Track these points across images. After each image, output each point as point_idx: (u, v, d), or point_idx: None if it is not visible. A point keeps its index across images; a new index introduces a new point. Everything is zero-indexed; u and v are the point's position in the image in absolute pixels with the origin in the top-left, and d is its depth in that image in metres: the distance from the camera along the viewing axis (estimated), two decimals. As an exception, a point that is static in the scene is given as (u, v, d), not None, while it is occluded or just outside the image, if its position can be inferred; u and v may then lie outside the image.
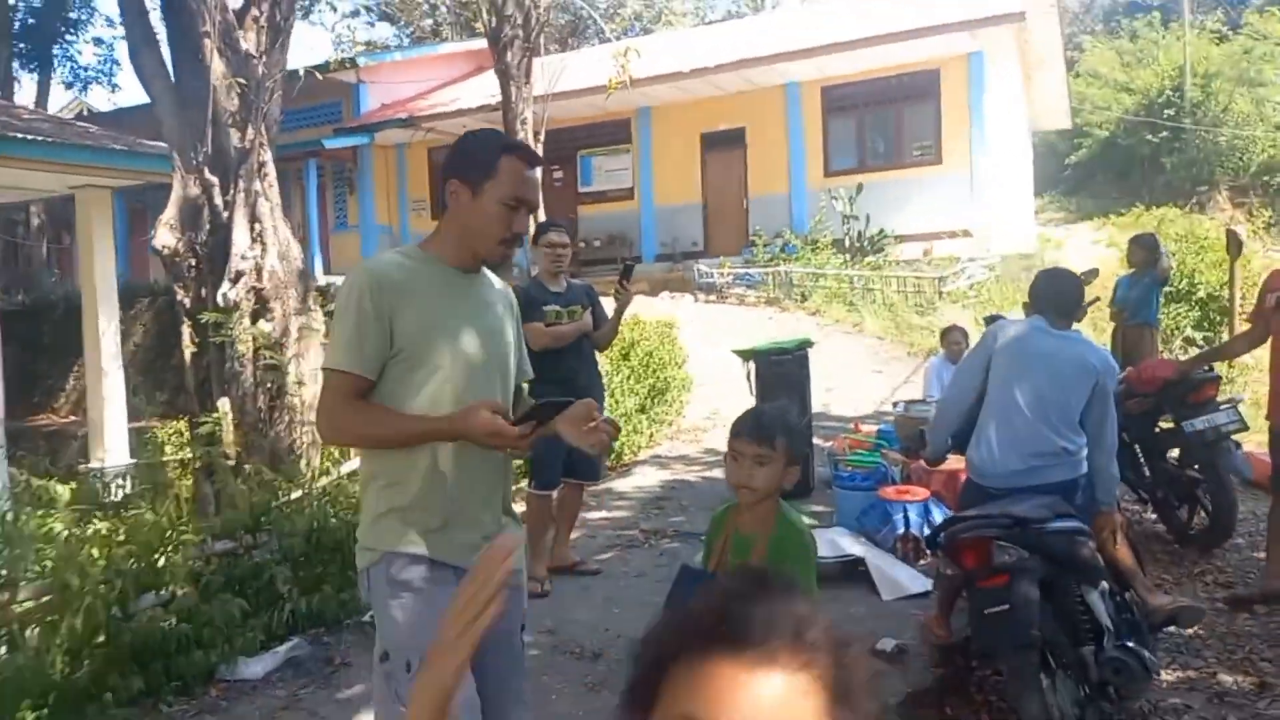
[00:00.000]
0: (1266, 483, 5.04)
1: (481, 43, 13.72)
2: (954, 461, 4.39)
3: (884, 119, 16.91)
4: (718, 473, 7.09)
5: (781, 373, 6.42)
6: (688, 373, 9.04)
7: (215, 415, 5.59)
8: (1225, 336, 9.82)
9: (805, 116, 16.96)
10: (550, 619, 4.42)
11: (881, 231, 15.27)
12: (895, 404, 7.03)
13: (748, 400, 6.60)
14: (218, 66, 5.74)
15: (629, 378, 8.02)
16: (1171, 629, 3.75)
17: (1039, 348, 3.52)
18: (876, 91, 16.67)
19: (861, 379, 10.15)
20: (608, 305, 5.08)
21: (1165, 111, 25.64)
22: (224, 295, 5.70)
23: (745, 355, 6.59)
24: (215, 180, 5.86)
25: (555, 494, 4.95)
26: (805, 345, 6.61)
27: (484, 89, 16.74)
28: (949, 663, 3.80)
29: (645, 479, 7.11)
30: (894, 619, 4.37)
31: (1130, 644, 2.94)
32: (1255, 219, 23.16)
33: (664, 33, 27.86)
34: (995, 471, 3.48)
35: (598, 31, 30.04)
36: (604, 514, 6.20)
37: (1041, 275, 3.86)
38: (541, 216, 10.67)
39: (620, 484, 6.97)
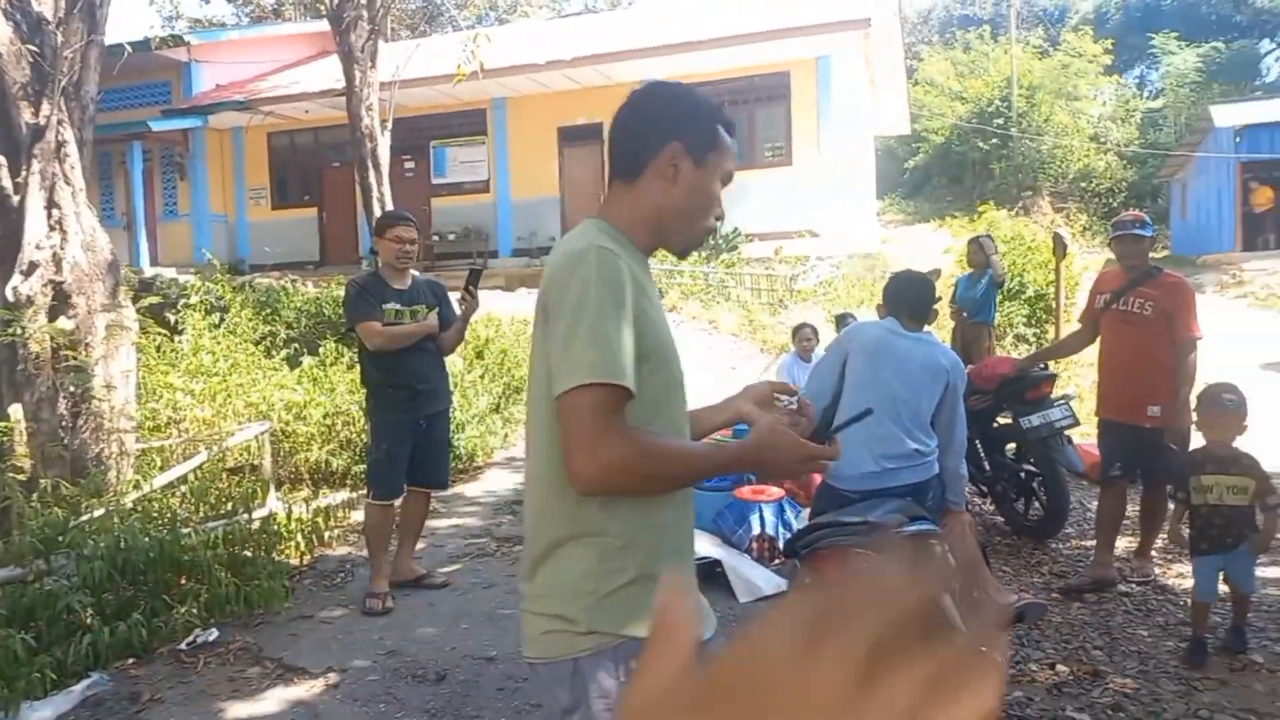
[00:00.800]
0: (1095, 475, 5.31)
1: (326, 24, 13.03)
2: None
3: (737, 118, 16.79)
4: (574, 474, 6.90)
5: (638, 372, 6.30)
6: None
7: (4, 424, 4.94)
8: (1052, 333, 10.44)
9: (662, 113, 16.98)
10: (391, 639, 4.11)
11: (736, 230, 15.50)
12: (750, 402, 7.03)
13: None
14: (3, 32, 5.06)
15: (483, 376, 7.72)
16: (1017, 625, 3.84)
17: (892, 349, 3.51)
18: (730, 91, 16.89)
19: (717, 376, 10.19)
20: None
21: (995, 120, 27.39)
22: (14, 289, 5.03)
23: (601, 354, 6.44)
24: (2, 160, 5.17)
25: (398, 503, 4.63)
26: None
27: (328, 72, 15.93)
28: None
29: (497, 482, 6.82)
30: (751, 621, 4.30)
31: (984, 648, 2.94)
32: (1074, 222, 25.07)
33: (520, 23, 27.42)
34: (850, 474, 3.45)
35: (451, 19, 29.25)
36: (452, 521, 5.88)
37: (895, 278, 3.87)
38: (390, 205, 10.29)
39: (470, 488, 6.65)
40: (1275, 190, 21.33)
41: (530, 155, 17.66)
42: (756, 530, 4.96)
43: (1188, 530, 3.91)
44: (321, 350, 7.10)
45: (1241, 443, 3.83)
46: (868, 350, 3.54)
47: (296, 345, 7.47)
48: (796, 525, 5.07)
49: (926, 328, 3.72)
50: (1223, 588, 3.89)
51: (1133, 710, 3.43)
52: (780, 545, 4.99)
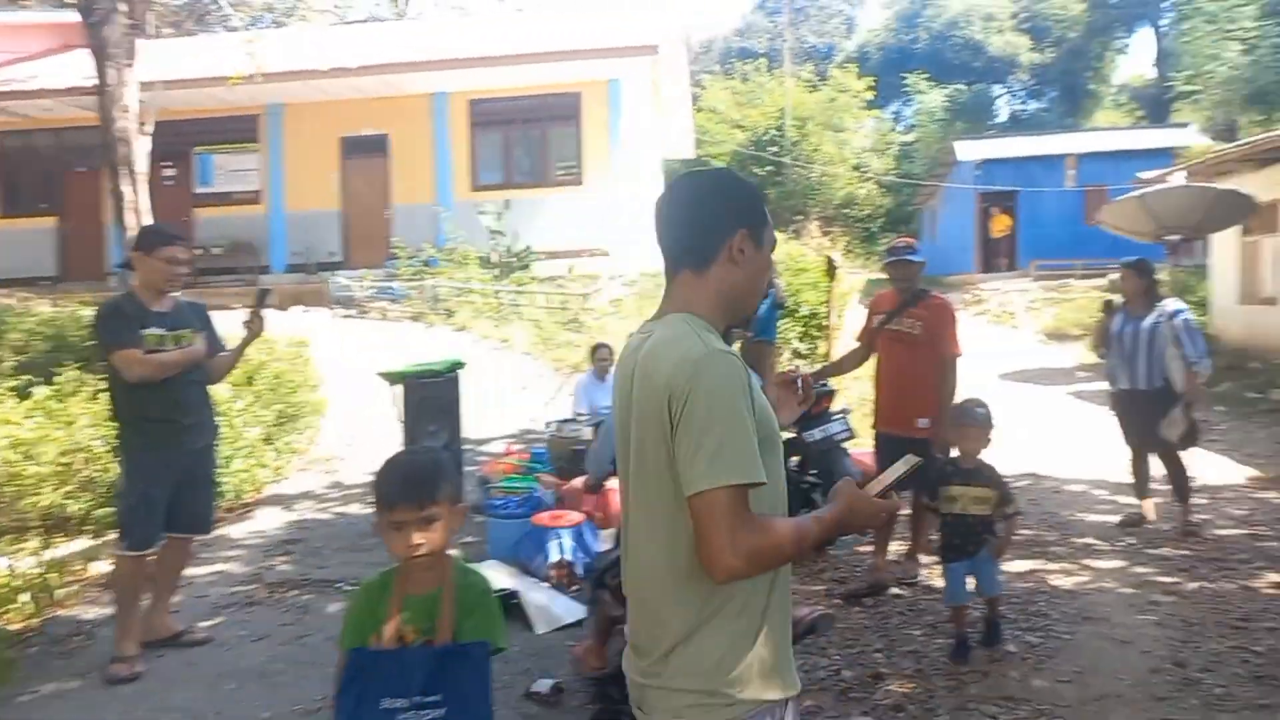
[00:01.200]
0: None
1: (72, 15, 11.68)
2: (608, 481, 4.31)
3: (530, 137, 17.18)
4: (356, 508, 6.48)
5: (431, 396, 6.02)
6: (323, 396, 8.26)
7: None
8: (824, 349, 11.08)
9: (452, 128, 16.70)
10: (142, 710, 3.61)
11: (528, 248, 15.40)
12: (547, 424, 6.92)
13: (393, 426, 6.12)
14: None
15: (254, 403, 7.09)
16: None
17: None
18: (522, 109, 16.88)
19: (510, 397, 10.01)
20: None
21: (770, 148, 29.03)
22: None
23: (392, 378, 6.09)
24: None
25: (153, 552, 4.11)
26: (456, 367, 6.26)
27: (76, 68, 14.31)
28: (605, 696, 3.65)
29: (268, 521, 6.28)
30: (550, 655, 4.17)
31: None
32: (838, 245, 26.95)
33: (299, 28, 26.03)
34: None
35: (222, 19, 27.36)
36: (215, 568, 5.31)
37: None
38: (148, 216, 9.31)
39: (236, 529, 6.06)
40: (1011, 217, 24.00)
41: (308, 165, 16.75)
42: (555, 557, 4.84)
43: (937, 538, 4.16)
44: (59, 379, 6.24)
45: (987, 451, 4.12)
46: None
47: (29, 374, 6.53)
48: (597, 548, 4.99)
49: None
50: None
51: (912, 710, 3.61)
52: (580, 571, 4.90)
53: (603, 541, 5.08)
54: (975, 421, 4.02)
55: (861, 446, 6.26)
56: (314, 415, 7.95)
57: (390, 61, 15.79)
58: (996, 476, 4.02)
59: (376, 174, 16.94)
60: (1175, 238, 11.53)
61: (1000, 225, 24.10)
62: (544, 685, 3.79)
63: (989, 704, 3.61)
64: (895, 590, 4.90)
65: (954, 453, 4.29)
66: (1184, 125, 25.68)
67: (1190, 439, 5.68)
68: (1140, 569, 5.11)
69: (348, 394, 8.62)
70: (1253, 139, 15.69)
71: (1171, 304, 5.82)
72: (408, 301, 14.39)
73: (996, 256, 24.31)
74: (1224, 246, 14.25)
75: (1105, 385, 6.27)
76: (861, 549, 5.57)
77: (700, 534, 1.53)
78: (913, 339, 4.87)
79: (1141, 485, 6.00)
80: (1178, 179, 12.95)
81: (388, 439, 7.72)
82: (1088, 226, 21.26)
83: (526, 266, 15.23)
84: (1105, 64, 38.12)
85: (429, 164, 16.68)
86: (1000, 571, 4.18)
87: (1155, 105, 33.02)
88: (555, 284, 14.83)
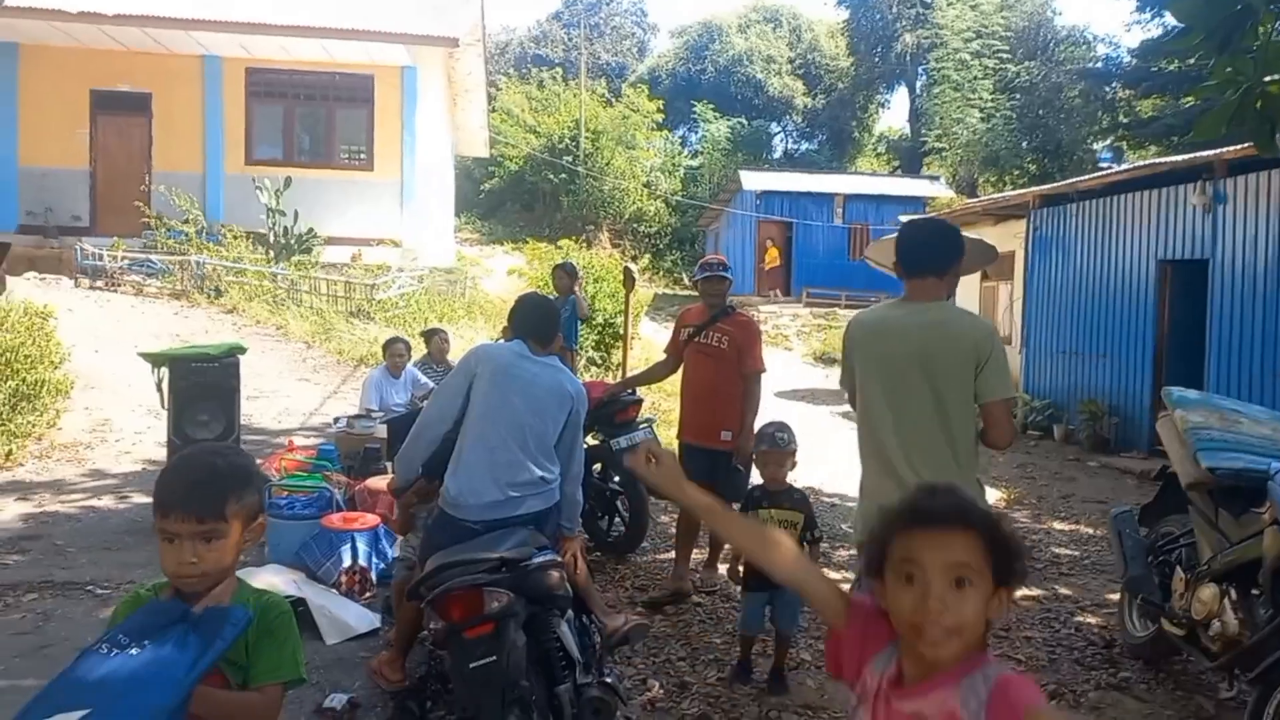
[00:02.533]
0: (673, 493, 5.67)
1: None
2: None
3: (315, 114, 16.24)
4: (108, 501, 5.74)
5: (204, 383, 5.42)
6: (67, 375, 7.24)
7: None
8: (618, 357, 11.22)
9: (226, 95, 15.42)
10: None
11: (311, 230, 14.46)
12: (336, 419, 6.46)
13: (153, 410, 5.48)
14: None
15: (-23, 380, 6.12)
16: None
17: (521, 374, 3.37)
18: (308, 84, 15.93)
19: (288, 387, 9.30)
20: None
21: (564, 156, 29.23)
22: None
23: (156, 360, 5.43)
24: None
25: None
26: (235, 351, 5.68)
27: None
28: (405, 711, 3.43)
29: (-1, 514, 5.43)
30: (341, 667, 3.88)
31: (609, 679, 2.91)
32: (636, 257, 27.63)
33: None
34: (473, 504, 3.22)
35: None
36: (-70, 569, 4.52)
37: (522, 301, 3.73)
38: None
39: (-44, 524, 5.19)
40: (780, 251, 25.56)
41: (50, 117, 14.85)
42: (348, 562, 4.51)
43: (743, 566, 4.04)
44: None
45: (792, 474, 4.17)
46: (496, 373, 3.35)
47: None
48: (393, 554, 4.71)
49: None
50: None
51: (717, 718, 3.66)
52: (374, 577, 4.59)
53: (399, 547, 4.80)
54: (778, 446, 3.97)
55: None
56: (56, 396, 6.95)
57: (153, 14, 14.26)
58: (805, 500, 4.02)
59: (136, 135, 15.29)
60: (930, 278, 12.72)
61: (770, 258, 25.60)
62: (337, 700, 3.53)
63: (789, 713, 3.73)
64: (696, 598, 4.98)
65: (756, 476, 4.29)
66: (934, 178, 28.56)
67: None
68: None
69: (99, 374, 7.64)
70: (992, 197, 17.70)
71: None
72: (168, 277, 13.03)
73: (771, 286, 25.78)
74: (968, 290, 15.93)
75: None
76: (662, 557, 5.64)
77: (998, 423, 2.89)
78: (719, 353, 4.99)
79: (910, 501, 6.49)
80: (933, 225, 14.30)
81: (149, 428, 6.94)
82: (851, 261, 23.10)
83: (309, 250, 14.27)
84: (869, 115, 41.66)
85: (198, 131, 15.29)
86: (803, 607, 4.09)
87: (910, 157, 36.45)
88: (340, 271, 14.01)
